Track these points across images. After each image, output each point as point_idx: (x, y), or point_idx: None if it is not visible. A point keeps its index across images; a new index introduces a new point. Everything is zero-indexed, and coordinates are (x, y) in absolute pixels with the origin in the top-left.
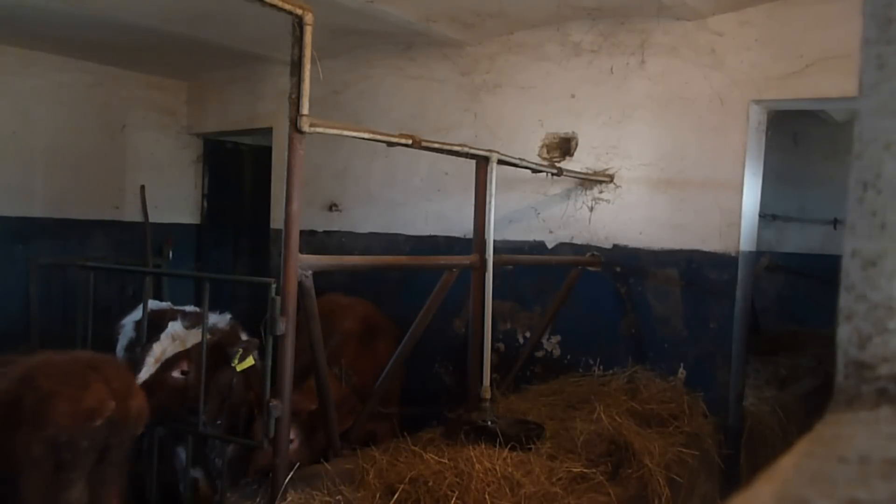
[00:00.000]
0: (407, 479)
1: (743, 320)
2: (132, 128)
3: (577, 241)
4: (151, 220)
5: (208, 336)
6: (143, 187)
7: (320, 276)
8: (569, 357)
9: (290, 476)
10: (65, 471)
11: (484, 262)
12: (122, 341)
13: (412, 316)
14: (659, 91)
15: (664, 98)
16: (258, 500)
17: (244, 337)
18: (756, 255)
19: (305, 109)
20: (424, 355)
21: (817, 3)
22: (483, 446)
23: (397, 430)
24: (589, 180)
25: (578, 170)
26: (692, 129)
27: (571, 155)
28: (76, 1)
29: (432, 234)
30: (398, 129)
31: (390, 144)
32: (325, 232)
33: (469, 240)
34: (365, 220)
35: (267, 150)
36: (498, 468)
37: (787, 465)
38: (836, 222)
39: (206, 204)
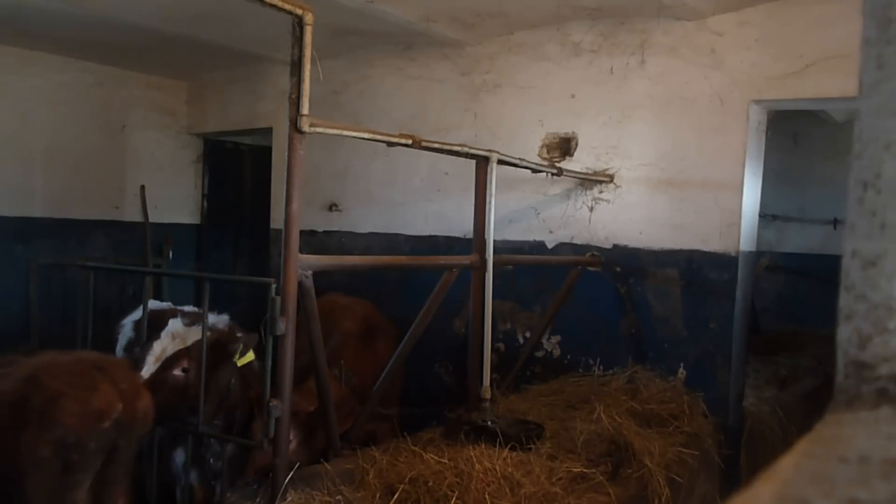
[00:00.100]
0: (407, 479)
1: (743, 320)
2: (132, 128)
3: (577, 241)
4: (151, 220)
5: (208, 334)
6: (143, 187)
7: (320, 276)
8: (569, 357)
9: (290, 476)
10: (72, 472)
11: (484, 262)
12: (122, 341)
13: (412, 316)
14: (659, 91)
15: (664, 98)
16: (258, 500)
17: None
18: (756, 255)
19: (305, 109)
20: (424, 355)
21: (817, 3)
22: (483, 446)
23: (397, 430)
24: (589, 180)
25: (578, 170)
26: (692, 129)
27: (571, 155)
28: (76, 1)
29: (432, 234)
30: (398, 129)
31: (390, 144)
32: (325, 232)
33: (469, 240)
34: (365, 220)
35: (267, 150)
36: (498, 468)
37: (787, 465)
38: (836, 222)
39: (206, 204)
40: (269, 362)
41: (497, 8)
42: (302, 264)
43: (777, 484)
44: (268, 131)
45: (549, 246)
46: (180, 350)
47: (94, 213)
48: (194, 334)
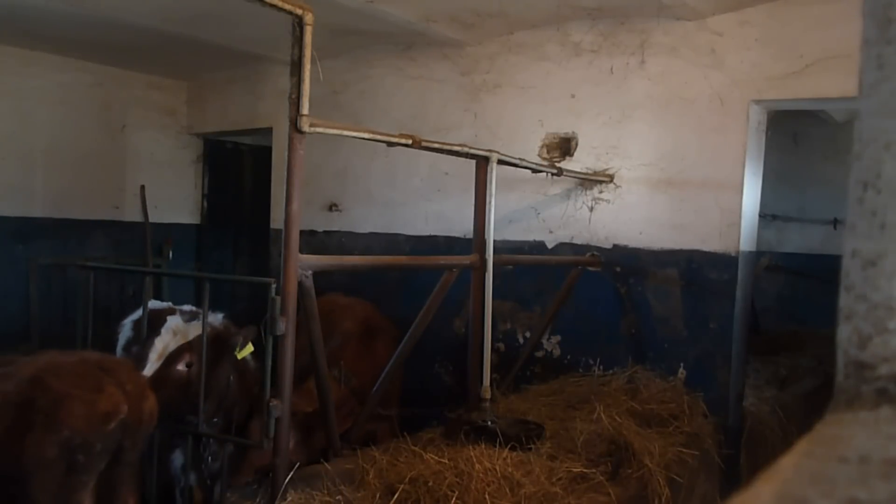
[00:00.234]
0: (407, 479)
1: (743, 320)
2: (132, 128)
3: (577, 241)
4: (151, 220)
5: (207, 331)
6: (143, 187)
7: (320, 276)
8: (569, 357)
9: (290, 476)
10: (77, 473)
11: (484, 262)
12: (121, 341)
13: (412, 316)
14: (659, 91)
15: (664, 98)
16: (258, 500)
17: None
18: (756, 255)
19: (305, 109)
20: (424, 355)
21: (817, 3)
22: (483, 446)
23: (397, 430)
24: (589, 180)
25: (578, 170)
26: (692, 129)
27: (571, 155)
28: (76, 1)
29: (432, 234)
30: (398, 129)
31: (390, 144)
32: (325, 232)
33: (469, 240)
34: (365, 220)
35: (267, 150)
36: (498, 468)
37: (787, 465)
38: (836, 222)
39: (206, 204)
40: (269, 362)
41: (497, 8)
42: (302, 264)
43: (777, 484)
44: (268, 131)
45: (549, 246)
46: (182, 345)
47: (94, 213)
48: (195, 330)
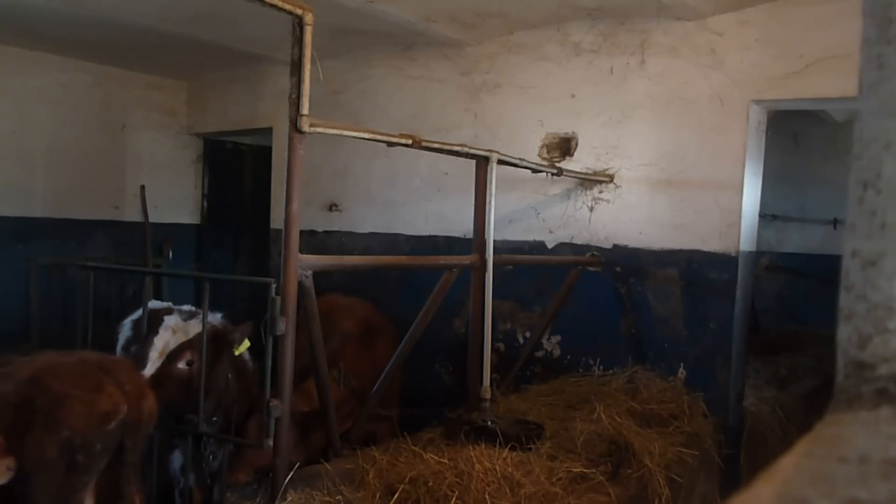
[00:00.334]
0: (407, 479)
1: (743, 320)
2: (132, 128)
3: (577, 241)
4: (151, 220)
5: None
6: (143, 187)
7: (320, 276)
8: (569, 357)
9: (290, 476)
10: (77, 473)
11: (484, 262)
12: (121, 341)
13: (412, 316)
14: (659, 91)
15: (664, 98)
16: (258, 500)
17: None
18: (756, 255)
19: (305, 109)
20: (424, 355)
21: (817, 3)
22: (483, 446)
23: (397, 430)
24: (589, 180)
25: (578, 170)
26: (692, 129)
27: (571, 155)
28: (76, 1)
29: (432, 234)
30: (398, 129)
31: (390, 144)
32: (325, 232)
33: (469, 240)
34: (365, 220)
35: (267, 150)
36: (498, 468)
37: (787, 465)
38: (836, 222)
39: (206, 204)
40: (269, 362)
41: (497, 8)
42: (302, 264)
43: (777, 484)
44: (268, 131)
45: (549, 246)
46: (183, 343)
47: (94, 213)
48: (194, 328)
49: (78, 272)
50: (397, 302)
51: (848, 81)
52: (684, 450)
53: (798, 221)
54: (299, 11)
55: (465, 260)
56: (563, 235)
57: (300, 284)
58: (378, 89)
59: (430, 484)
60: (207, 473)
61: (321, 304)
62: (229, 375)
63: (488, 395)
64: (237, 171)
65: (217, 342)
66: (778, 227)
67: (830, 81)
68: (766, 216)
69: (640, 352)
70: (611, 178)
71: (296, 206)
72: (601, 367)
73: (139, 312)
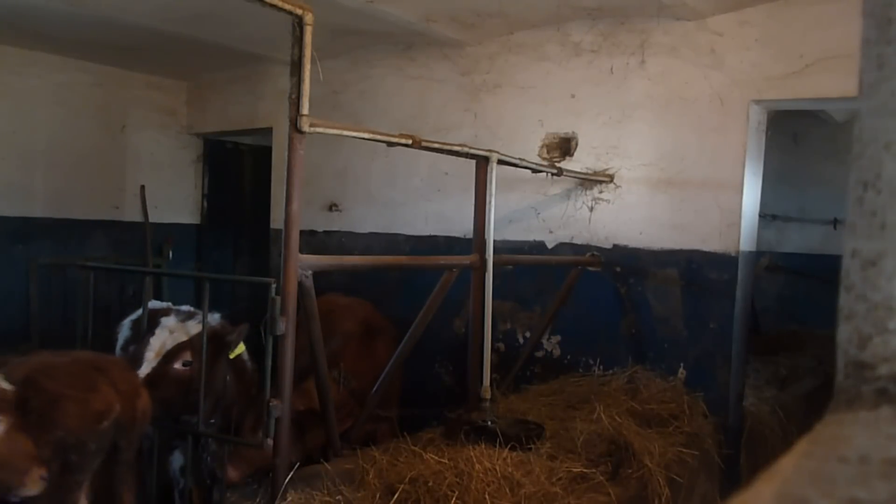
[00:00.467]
0: (407, 479)
1: (743, 320)
2: (132, 128)
3: (577, 241)
4: (151, 220)
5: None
6: (143, 187)
7: (320, 276)
8: (569, 357)
9: (290, 476)
10: (71, 472)
11: (484, 262)
12: (120, 341)
13: (412, 316)
14: (659, 91)
15: (664, 98)
16: (258, 500)
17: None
18: (756, 255)
19: (305, 109)
20: (424, 355)
21: (817, 3)
22: (483, 446)
23: (397, 430)
24: (589, 180)
25: (578, 170)
26: (692, 129)
27: (571, 155)
28: (76, 1)
29: (432, 234)
30: (398, 129)
31: (390, 144)
32: (325, 232)
33: (469, 240)
34: (365, 220)
35: (267, 150)
36: (498, 468)
37: (787, 465)
38: (836, 222)
39: (206, 204)
40: (269, 362)
41: (497, 8)
42: (302, 264)
43: (777, 484)
44: (268, 131)
45: (549, 246)
46: (182, 343)
47: (94, 213)
48: (192, 328)
49: (78, 272)
50: (397, 302)
51: (848, 81)
52: (684, 450)
53: (798, 221)
54: (299, 11)
55: (465, 260)
56: (563, 235)
57: (300, 284)
58: (378, 89)
59: (430, 484)
60: (206, 474)
61: (321, 304)
62: (227, 377)
63: (488, 395)
64: (237, 171)
65: (215, 343)
66: (778, 227)
67: (830, 81)
68: (766, 216)
69: (640, 352)
70: (611, 178)
71: (296, 206)
72: (601, 367)
73: (138, 313)
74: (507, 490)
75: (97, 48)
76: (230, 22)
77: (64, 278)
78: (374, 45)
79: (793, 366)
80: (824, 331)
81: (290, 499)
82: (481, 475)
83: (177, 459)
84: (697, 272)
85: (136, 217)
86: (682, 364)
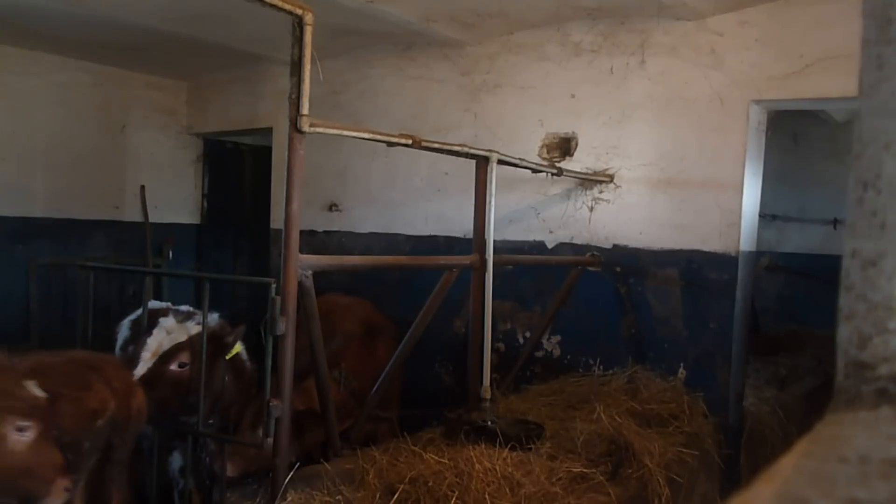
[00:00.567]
0: (407, 479)
1: (743, 320)
2: (132, 128)
3: (577, 241)
4: (151, 220)
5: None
6: (143, 187)
7: (320, 276)
8: (569, 357)
9: (290, 476)
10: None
11: (484, 262)
12: (119, 341)
13: (412, 316)
14: (659, 91)
15: (664, 98)
16: (258, 500)
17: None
18: (756, 255)
19: (305, 109)
20: (424, 355)
21: (817, 3)
22: (483, 446)
23: (397, 430)
24: (589, 180)
25: (578, 170)
26: (692, 129)
27: (571, 155)
28: (76, 1)
29: (432, 234)
30: (398, 129)
31: (390, 144)
32: (325, 232)
33: (469, 240)
34: (365, 220)
35: (267, 150)
36: (498, 468)
37: (787, 465)
38: (836, 222)
39: (206, 204)
40: (269, 362)
41: (497, 8)
42: (302, 264)
43: (777, 484)
44: (268, 131)
45: (549, 246)
46: (179, 344)
47: (94, 213)
48: (190, 329)
49: (78, 272)
50: (397, 302)
51: (848, 81)
52: (684, 450)
53: (798, 221)
54: (299, 11)
55: (465, 260)
56: (563, 235)
57: (300, 284)
58: (378, 89)
59: (430, 484)
60: (206, 474)
61: (321, 303)
62: (226, 377)
63: (488, 395)
64: (237, 171)
65: (214, 343)
66: (778, 227)
67: (830, 81)
68: (766, 216)
69: (640, 352)
70: (611, 178)
71: (296, 206)
72: (601, 367)
73: (138, 313)
74: (507, 490)
75: (97, 48)
76: (230, 22)
77: (64, 278)
78: (374, 45)
79: (793, 366)
80: (824, 331)
81: (290, 499)
82: (481, 475)
83: (176, 460)
84: (697, 272)
85: (136, 217)
86: (682, 364)
